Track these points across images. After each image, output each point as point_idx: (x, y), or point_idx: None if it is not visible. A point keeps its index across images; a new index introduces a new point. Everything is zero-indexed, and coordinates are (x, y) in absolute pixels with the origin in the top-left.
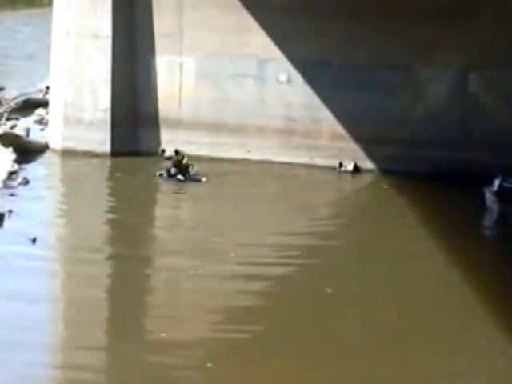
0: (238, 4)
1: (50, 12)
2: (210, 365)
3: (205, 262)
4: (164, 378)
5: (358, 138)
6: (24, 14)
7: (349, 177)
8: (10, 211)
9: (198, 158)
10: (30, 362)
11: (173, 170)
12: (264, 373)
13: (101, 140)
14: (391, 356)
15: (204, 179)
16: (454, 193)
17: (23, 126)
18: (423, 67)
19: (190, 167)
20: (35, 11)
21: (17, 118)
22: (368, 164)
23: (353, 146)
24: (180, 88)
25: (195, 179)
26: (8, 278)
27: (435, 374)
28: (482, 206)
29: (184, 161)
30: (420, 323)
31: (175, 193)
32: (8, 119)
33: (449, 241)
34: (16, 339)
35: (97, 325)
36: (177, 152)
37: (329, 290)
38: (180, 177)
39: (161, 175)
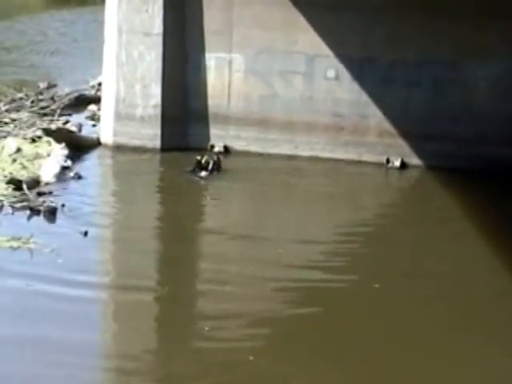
0: (287, 1)
1: (93, 10)
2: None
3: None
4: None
5: (405, 134)
6: (68, 13)
7: (396, 173)
8: (63, 205)
9: (247, 154)
10: None
11: (197, 169)
12: (304, 370)
13: (151, 135)
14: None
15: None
16: (502, 189)
17: (76, 121)
18: (471, 64)
19: (210, 164)
20: (86, 9)
21: (69, 114)
22: (415, 160)
23: (400, 142)
24: (229, 85)
25: (214, 172)
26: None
27: None
28: None
29: (203, 160)
30: None
31: (205, 192)
32: (61, 115)
33: (497, 242)
34: None
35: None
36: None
37: (376, 285)
38: (202, 174)
39: (188, 172)
